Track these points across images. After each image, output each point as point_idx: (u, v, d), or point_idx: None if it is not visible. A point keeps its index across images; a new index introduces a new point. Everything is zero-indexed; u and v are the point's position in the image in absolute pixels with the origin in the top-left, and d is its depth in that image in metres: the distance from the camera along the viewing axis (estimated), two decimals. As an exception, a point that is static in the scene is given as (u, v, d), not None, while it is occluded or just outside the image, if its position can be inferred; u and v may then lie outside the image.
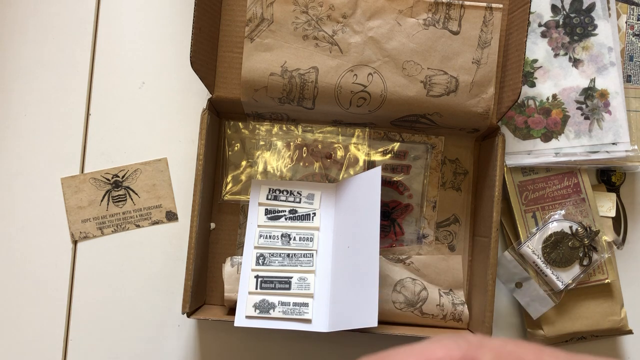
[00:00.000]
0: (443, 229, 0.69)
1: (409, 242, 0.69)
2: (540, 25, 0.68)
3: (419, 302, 0.66)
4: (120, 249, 0.70)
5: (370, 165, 0.69)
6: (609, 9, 0.68)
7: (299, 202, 0.67)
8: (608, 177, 0.70)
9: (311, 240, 0.65)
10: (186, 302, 0.60)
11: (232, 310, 0.65)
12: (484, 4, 0.62)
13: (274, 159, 0.69)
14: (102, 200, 0.70)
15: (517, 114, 0.68)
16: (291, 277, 0.64)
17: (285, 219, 0.66)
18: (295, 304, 0.63)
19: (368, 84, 0.62)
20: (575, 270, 0.66)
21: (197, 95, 0.71)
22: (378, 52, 0.62)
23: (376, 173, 0.62)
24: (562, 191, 0.68)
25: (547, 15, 0.68)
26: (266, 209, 0.66)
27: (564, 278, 0.66)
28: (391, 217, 0.69)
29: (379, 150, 0.69)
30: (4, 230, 0.70)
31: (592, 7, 0.68)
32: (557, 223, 0.67)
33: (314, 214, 0.66)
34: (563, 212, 0.67)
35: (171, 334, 0.69)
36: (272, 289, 0.64)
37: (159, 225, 0.70)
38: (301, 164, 0.69)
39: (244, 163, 0.69)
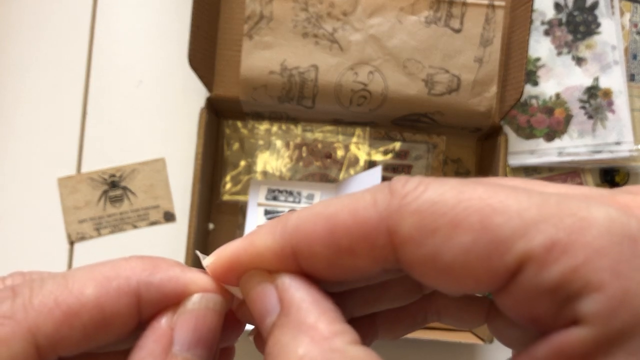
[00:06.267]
0: (444, 230, 0.68)
1: (410, 242, 0.68)
2: (543, 23, 0.67)
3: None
4: (117, 249, 0.69)
5: (370, 165, 0.68)
6: (612, 7, 0.67)
7: (299, 203, 0.66)
8: (611, 176, 0.69)
9: (311, 241, 0.64)
10: (184, 304, 0.59)
11: (230, 312, 0.64)
12: (486, 2, 0.61)
13: (274, 158, 0.68)
14: (99, 201, 0.69)
15: (519, 113, 0.67)
16: (291, 279, 0.63)
17: (285, 219, 0.65)
18: (294, 306, 0.62)
19: (369, 83, 0.61)
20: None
21: (196, 94, 0.70)
22: (379, 50, 0.61)
23: (376, 173, 0.61)
24: (565, 191, 0.67)
25: (550, 13, 0.67)
26: (265, 210, 0.66)
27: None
28: (392, 217, 0.68)
29: (380, 149, 0.69)
30: (-1, 231, 0.69)
31: (595, 5, 0.67)
32: (560, 223, 0.66)
33: (314, 214, 0.65)
34: (566, 212, 0.67)
35: (169, 336, 0.68)
36: (271, 290, 0.63)
37: (157, 225, 0.69)
38: (301, 163, 0.68)
39: (242, 163, 0.68)
